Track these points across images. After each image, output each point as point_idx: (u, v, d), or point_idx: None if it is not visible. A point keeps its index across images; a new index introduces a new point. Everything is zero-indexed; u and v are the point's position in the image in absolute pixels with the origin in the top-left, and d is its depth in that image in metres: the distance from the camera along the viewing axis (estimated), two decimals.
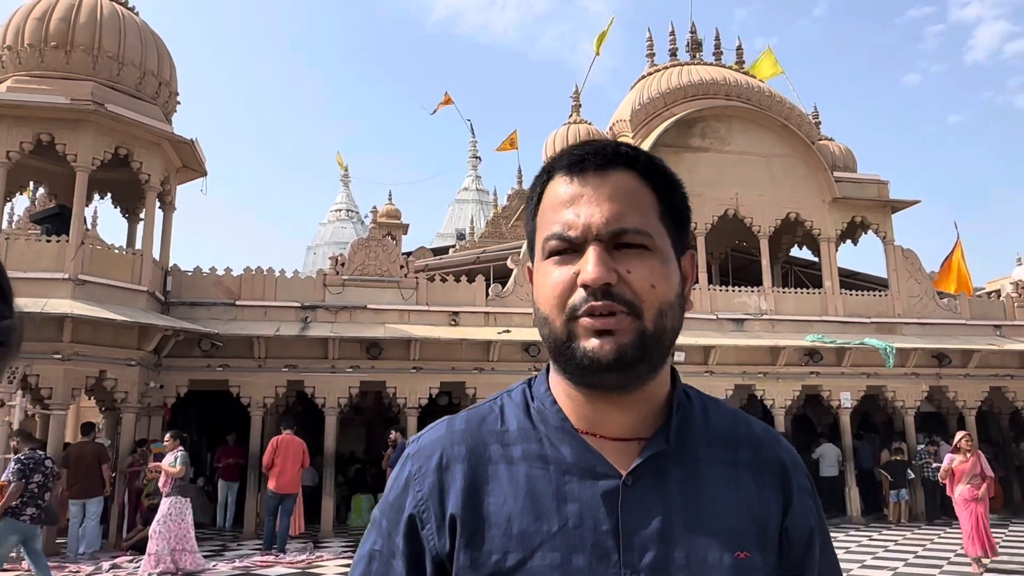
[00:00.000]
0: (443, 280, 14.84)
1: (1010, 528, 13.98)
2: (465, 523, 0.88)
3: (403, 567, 0.91)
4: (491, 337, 13.81)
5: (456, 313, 14.42)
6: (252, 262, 16.12)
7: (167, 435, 10.11)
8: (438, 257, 22.22)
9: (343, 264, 14.46)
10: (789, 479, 0.96)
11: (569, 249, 0.90)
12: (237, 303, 13.76)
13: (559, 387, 0.95)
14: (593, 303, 0.86)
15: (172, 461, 9.60)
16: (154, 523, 9.51)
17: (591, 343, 0.86)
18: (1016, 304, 17.39)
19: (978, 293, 18.77)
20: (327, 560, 10.56)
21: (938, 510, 15.05)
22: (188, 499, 9.79)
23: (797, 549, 0.94)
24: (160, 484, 9.71)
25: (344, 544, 12.06)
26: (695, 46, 18.24)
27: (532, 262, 0.98)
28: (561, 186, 0.93)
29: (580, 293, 0.87)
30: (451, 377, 14.15)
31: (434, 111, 23.63)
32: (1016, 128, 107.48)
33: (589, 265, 0.87)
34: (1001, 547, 11.72)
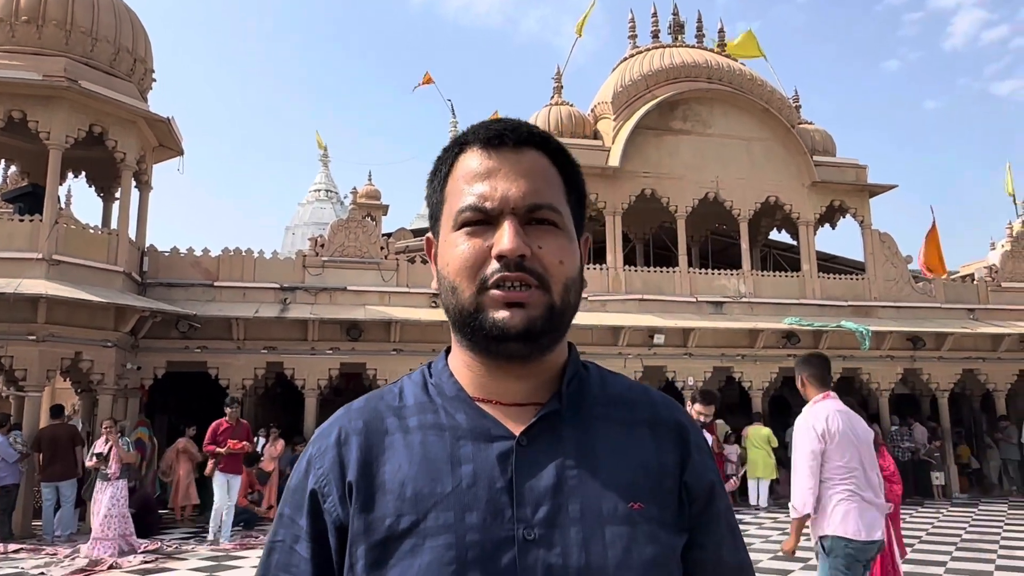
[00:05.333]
0: (423, 262, 14.78)
1: (979, 507, 14.31)
2: (360, 490, 0.89)
3: (307, 549, 0.91)
4: None
5: (436, 295, 14.34)
6: (230, 242, 16.00)
7: (104, 422, 10.34)
8: (418, 238, 22.13)
9: (323, 245, 14.35)
10: (686, 438, 0.98)
11: (482, 221, 0.91)
12: (215, 284, 13.64)
13: (458, 360, 0.99)
14: (506, 273, 0.88)
15: (126, 447, 10.02)
16: (105, 507, 9.51)
17: (500, 314, 0.88)
18: (989, 288, 17.66)
19: (952, 277, 19.02)
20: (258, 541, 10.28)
21: (911, 489, 15.32)
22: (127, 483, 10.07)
23: (699, 502, 0.96)
24: (112, 470, 9.67)
25: None
26: (677, 28, 18.19)
27: (436, 235, 0.99)
28: (475, 159, 0.94)
29: (493, 264, 0.89)
30: (432, 358, 14.06)
31: (414, 89, 23.49)
32: (992, 114, 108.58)
33: (505, 237, 0.88)
34: (971, 526, 11.99)
